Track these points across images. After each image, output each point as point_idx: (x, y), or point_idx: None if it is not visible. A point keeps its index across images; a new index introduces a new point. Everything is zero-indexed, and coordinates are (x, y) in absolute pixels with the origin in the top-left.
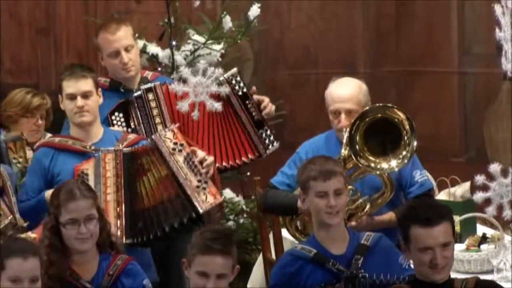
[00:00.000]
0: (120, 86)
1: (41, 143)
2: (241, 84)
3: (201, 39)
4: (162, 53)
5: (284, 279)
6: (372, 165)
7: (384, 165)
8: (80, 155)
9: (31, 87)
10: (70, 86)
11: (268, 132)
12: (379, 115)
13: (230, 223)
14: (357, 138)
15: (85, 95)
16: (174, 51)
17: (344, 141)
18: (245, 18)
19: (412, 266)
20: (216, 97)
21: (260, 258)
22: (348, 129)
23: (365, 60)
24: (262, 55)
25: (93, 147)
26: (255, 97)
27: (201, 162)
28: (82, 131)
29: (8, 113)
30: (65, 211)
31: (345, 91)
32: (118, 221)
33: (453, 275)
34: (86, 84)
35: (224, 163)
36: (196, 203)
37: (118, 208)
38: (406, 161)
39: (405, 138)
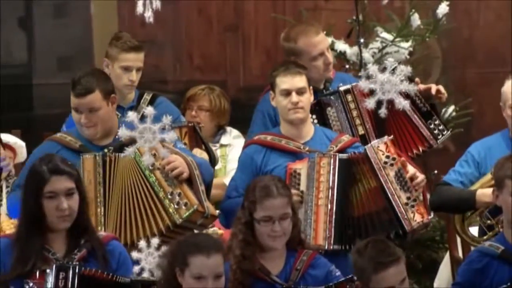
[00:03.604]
0: None
1: (253, 140)
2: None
3: (389, 36)
4: (350, 51)
5: (470, 275)
6: None
7: None
8: (293, 154)
9: (219, 83)
10: (286, 82)
11: (437, 121)
12: None
13: None
14: None
15: (300, 92)
16: (362, 48)
17: None
18: (434, 16)
19: None
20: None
21: (447, 257)
22: None
23: None
24: (451, 53)
25: (307, 148)
26: (421, 86)
27: (411, 178)
28: (294, 128)
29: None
30: (261, 208)
31: None
32: (328, 226)
33: None
34: (301, 81)
35: None
36: (403, 221)
37: (329, 213)
38: None
39: None
